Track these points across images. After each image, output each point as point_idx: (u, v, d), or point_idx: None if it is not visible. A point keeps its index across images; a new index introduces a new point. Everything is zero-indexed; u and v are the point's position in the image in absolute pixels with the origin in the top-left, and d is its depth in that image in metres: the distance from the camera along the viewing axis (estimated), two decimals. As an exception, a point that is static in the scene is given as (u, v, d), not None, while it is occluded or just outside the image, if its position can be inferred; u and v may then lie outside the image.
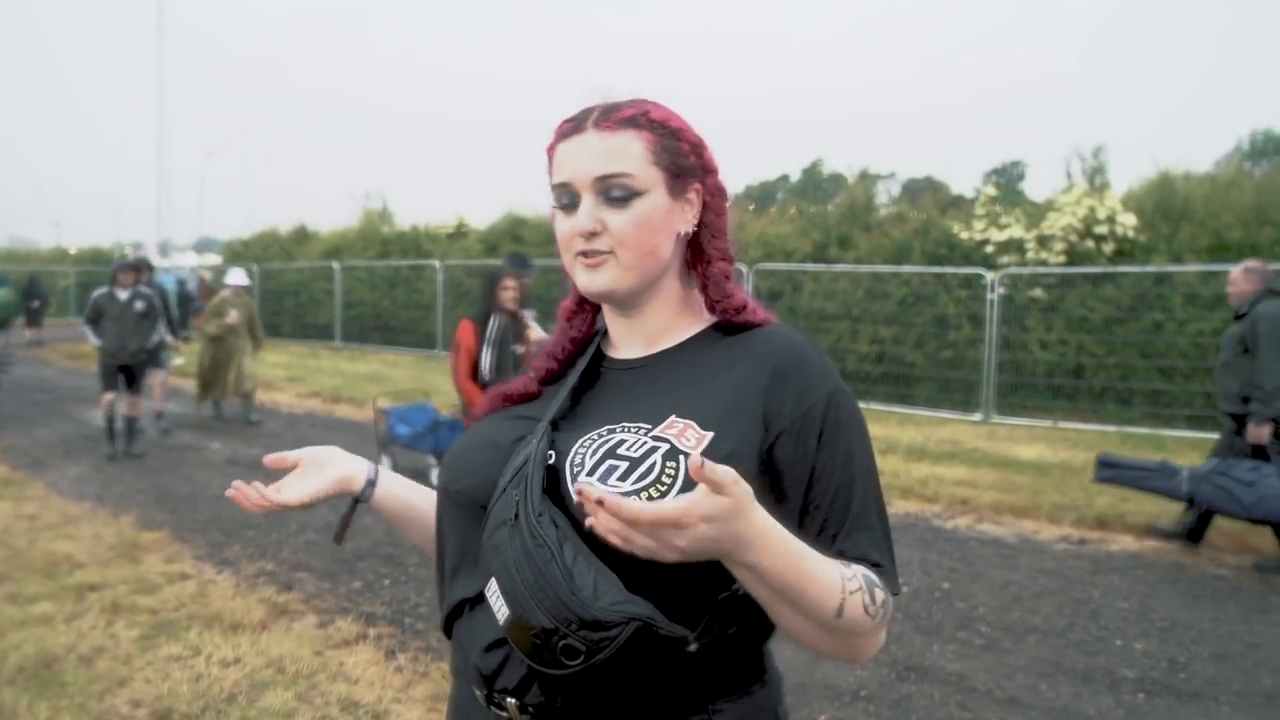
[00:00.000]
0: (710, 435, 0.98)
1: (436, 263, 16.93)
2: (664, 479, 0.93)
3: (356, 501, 1.24)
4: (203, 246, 40.35)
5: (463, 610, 1.06)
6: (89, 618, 4.06)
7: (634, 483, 0.93)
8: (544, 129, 1.14)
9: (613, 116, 1.06)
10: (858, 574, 0.96)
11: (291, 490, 1.20)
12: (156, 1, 16.43)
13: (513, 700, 0.99)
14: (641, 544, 0.82)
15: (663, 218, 1.07)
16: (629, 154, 1.05)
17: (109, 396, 7.96)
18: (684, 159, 1.09)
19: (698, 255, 1.13)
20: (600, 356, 1.17)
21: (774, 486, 1.01)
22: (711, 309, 1.14)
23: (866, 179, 19.25)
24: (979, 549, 5.50)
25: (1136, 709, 3.42)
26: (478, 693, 1.03)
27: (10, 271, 23.08)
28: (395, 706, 3.32)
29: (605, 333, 1.19)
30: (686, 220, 1.11)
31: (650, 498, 0.91)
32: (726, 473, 0.80)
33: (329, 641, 3.90)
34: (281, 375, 13.31)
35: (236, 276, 9.89)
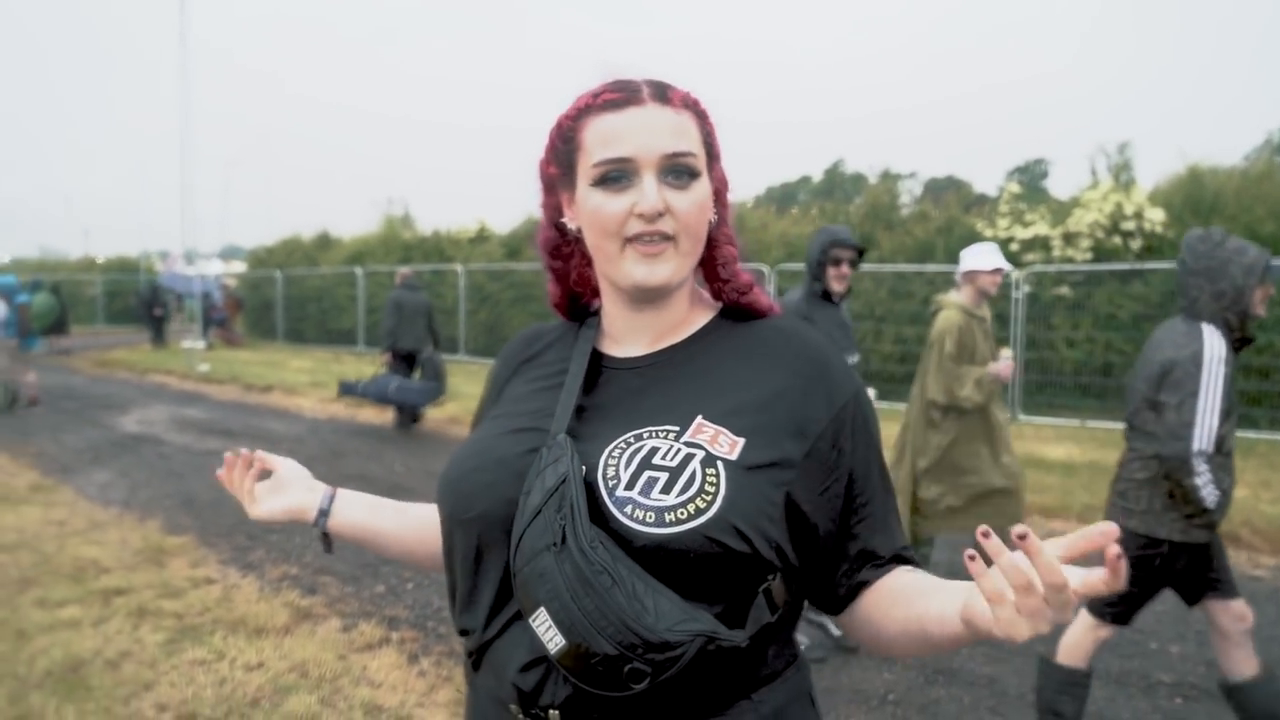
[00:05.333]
0: (743, 441, 0.96)
1: (458, 267, 17.00)
2: (707, 488, 0.91)
3: (328, 540, 1.28)
4: (228, 254, 40.76)
5: (491, 637, 1.01)
6: (115, 622, 4.08)
7: (678, 495, 0.91)
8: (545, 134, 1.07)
9: (671, 93, 1.02)
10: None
11: (261, 502, 1.27)
12: (179, 26, 16.66)
13: (556, 712, 0.94)
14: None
15: (708, 203, 1.04)
16: (691, 134, 1.01)
17: None
18: (715, 145, 1.07)
19: (707, 241, 1.09)
20: (597, 355, 1.11)
21: (817, 489, 1.00)
22: (718, 294, 1.11)
23: (888, 179, 19.15)
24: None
25: (1174, 713, 3.34)
26: (513, 708, 0.98)
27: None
28: (418, 711, 3.30)
29: (596, 327, 1.13)
30: (712, 207, 1.08)
31: (698, 509, 0.90)
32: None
33: (352, 645, 3.89)
34: (305, 380, 13.40)
35: (982, 257, 4.21)
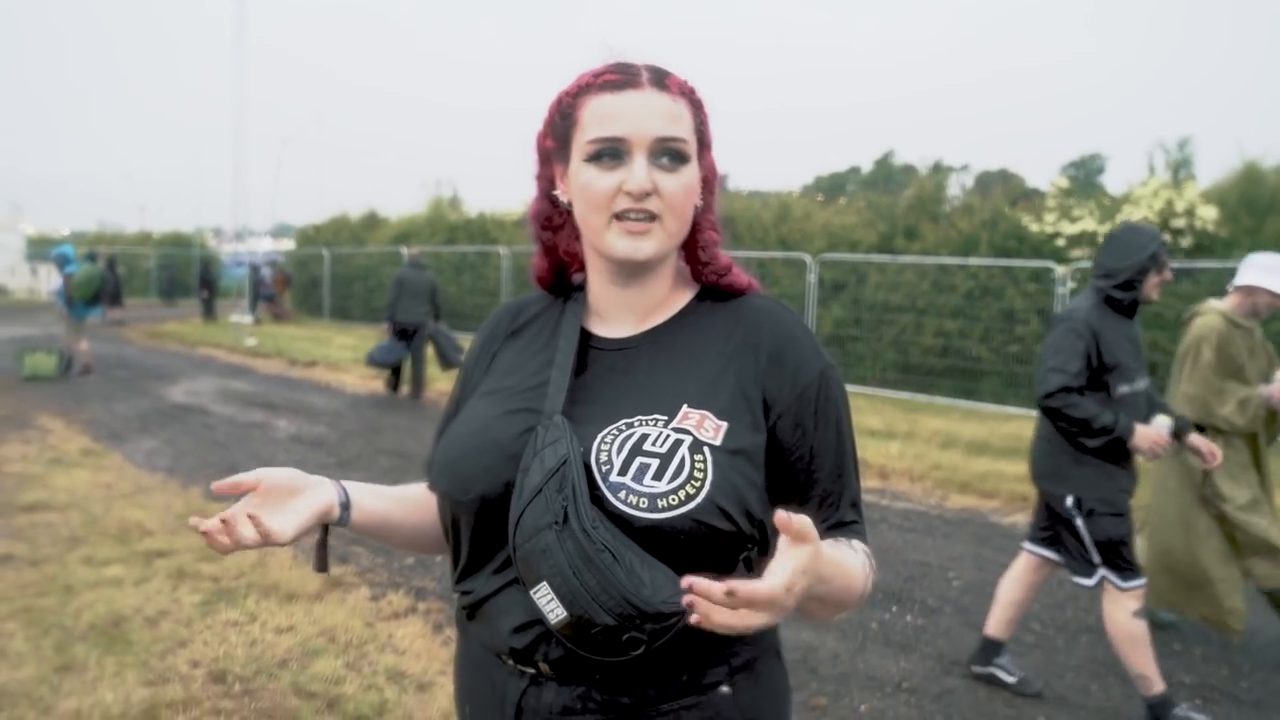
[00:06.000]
0: (725, 425, 1.02)
1: (503, 249, 17.12)
2: (696, 474, 0.97)
3: (327, 528, 1.10)
4: (278, 232, 41.47)
5: (487, 594, 1.06)
6: (155, 582, 4.24)
7: (669, 481, 0.96)
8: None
9: (669, 80, 1.06)
10: (858, 549, 1.06)
11: (277, 523, 1.01)
12: (235, 15, 17.07)
13: (545, 665, 1.01)
14: (759, 621, 0.81)
15: (696, 187, 1.08)
16: (684, 120, 1.05)
17: None
18: (707, 133, 1.11)
19: (691, 225, 1.13)
20: (585, 335, 1.14)
21: (776, 463, 1.05)
22: (698, 276, 1.15)
23: (939, 171, 18.86)
24: (1036, 547, 5.37)
25: (1192, 714, 3.31)
26: (504, 657, 1.06)
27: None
28: (440, 679, 3.39)
29: (582, 303, 1.16)
30: (699, 193, 1.12)
31: (688, 495, 0.96)
32: (804, 521, 0.82)
33: (380, 614, 4.00)
34: (348, 357, 13.63)
35: (1276, 277, 3.68)
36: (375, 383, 11.56)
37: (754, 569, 1.03)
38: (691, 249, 1.14)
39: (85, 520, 5.20)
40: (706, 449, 0.98)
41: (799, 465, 1.06)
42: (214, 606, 3.97)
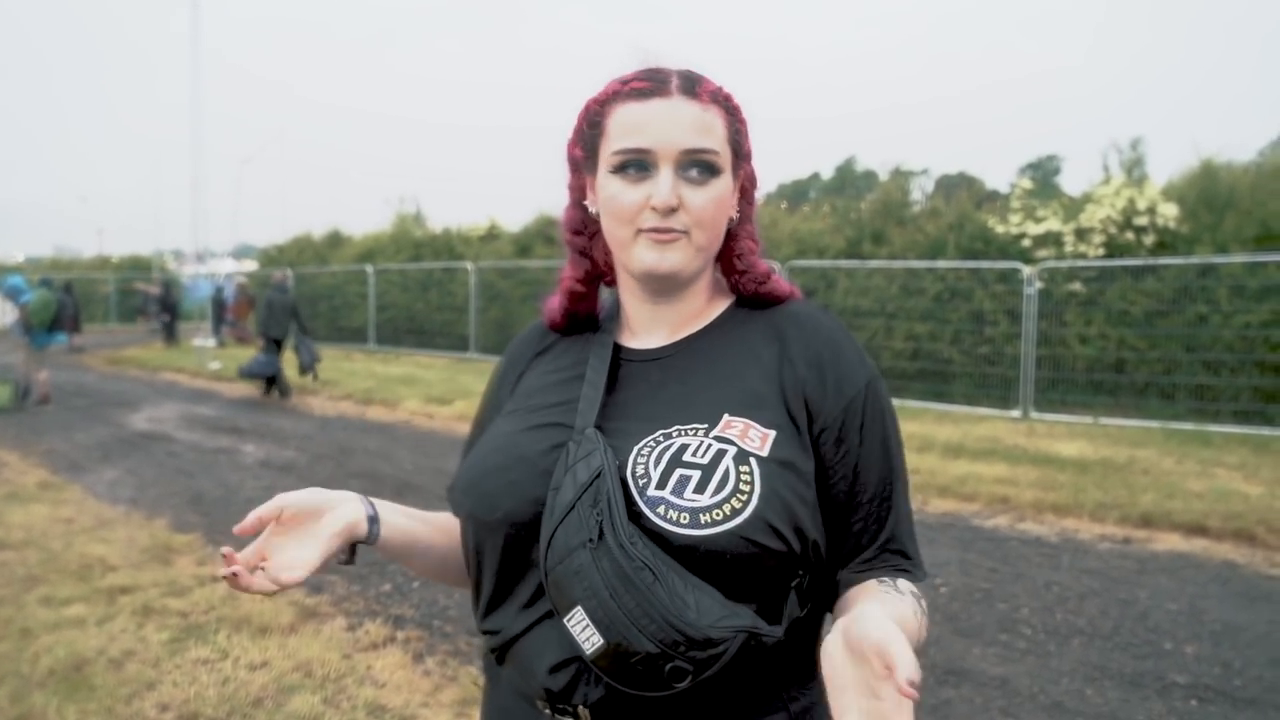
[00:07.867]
0: (773, 434, 0.95)
1: (469, 265, 16.98)
2: (742, 487, 0.89)
3: (355, 547, 1.04)
4: (240, 253, 40.91)
5: (517, 633, 0.98)
6: (120, 620, 4.07)
7: (713, 494, 0.89)
8: (558, 134, 1.08)
9: (701, 88, 1.00)
10: (907, 593, 0.96)
11: (295, 561, 0.96)
12: (190, 33, 16.85)
13: (586, 710, 0.92)
14: None
15: (729, 200, 1.03)
16: (715, 131, 1.00)
17: None
18: (744, 142, 1.05)
19: (726, 238, 1.08)
20: (616, 348, 1.08)
21: (819, 478, 0.98)
22: (735, 287, 1.09)
23: (900, 175, 19.02)
24: (1020, 549, 5.36)
25: (1189, 715, 3.28)
26: (540, 704, 0.97)
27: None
28: (423, 711, 3.28)
29: (614, 319, 1.11)
30: (735, 205, 1.06)
31: (734, 509, 0.88)
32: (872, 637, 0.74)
33: (357, 645, 3.87)
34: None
35: None
36: (343, 404, 11.42)
37: (808, 598, 0.95)
38: (727, 258, 1.08)
39: (43, 558, 5.00)
40: (753, 459, 0.91)
41: (840, 486, 0.98)
42: (183, 644, 3.81)
